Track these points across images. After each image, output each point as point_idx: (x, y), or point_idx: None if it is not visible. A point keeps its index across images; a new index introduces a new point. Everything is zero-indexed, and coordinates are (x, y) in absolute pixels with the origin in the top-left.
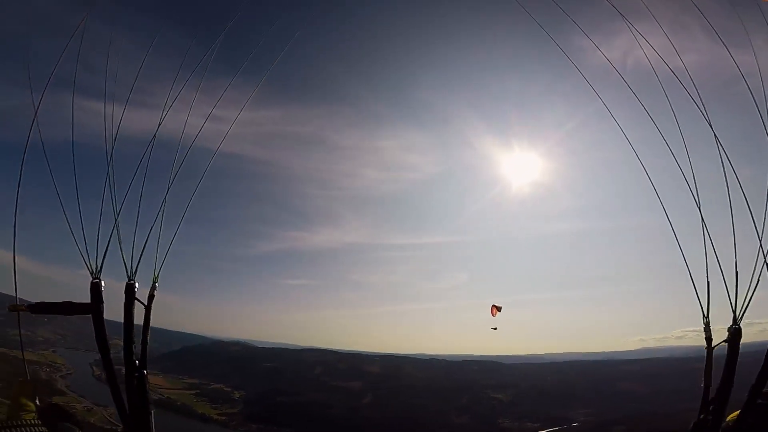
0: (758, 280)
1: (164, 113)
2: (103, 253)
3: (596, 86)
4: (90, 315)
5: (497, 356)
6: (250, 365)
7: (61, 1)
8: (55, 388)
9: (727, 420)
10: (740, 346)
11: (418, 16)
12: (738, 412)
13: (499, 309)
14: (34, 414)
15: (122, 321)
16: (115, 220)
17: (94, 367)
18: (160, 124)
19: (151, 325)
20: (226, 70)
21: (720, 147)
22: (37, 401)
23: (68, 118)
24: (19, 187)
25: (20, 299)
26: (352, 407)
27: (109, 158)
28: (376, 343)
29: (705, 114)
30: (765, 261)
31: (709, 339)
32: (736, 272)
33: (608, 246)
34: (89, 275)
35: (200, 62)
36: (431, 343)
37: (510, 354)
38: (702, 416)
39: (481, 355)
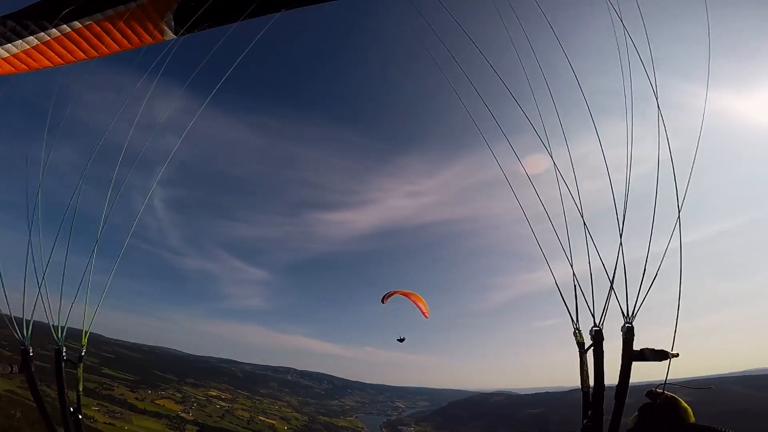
0: (612, 280)
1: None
2: (30, 326)
3: None
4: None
5: None
6: (514, 413)
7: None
8: None
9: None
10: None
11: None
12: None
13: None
14: None
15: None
16: (38, 290)
17: (383, 429)
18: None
19: (415, 385)
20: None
21: None
22: None
23: None
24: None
25: None
26: None
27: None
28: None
29: None
30: (617, 266)
31: (580, 344)
32: (591, 279)
33: None
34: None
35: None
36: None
37: None
38: (585, 422)
39: None
